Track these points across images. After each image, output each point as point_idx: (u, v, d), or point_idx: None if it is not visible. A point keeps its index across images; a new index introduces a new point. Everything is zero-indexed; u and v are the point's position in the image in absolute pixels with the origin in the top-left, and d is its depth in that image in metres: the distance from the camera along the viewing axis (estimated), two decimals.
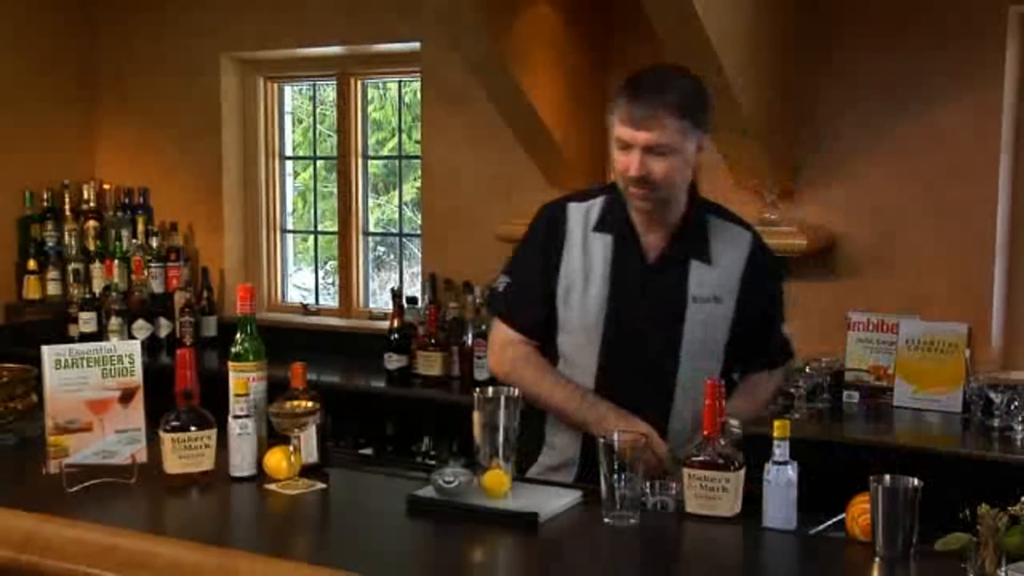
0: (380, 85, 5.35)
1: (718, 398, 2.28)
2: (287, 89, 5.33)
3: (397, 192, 5.20)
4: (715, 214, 2.60)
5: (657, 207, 2.49)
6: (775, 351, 2.69)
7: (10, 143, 5.11)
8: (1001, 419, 3.45)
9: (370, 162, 5.16)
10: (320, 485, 2.48)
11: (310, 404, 2.49)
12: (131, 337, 4.77)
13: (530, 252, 2.62)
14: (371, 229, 5.16)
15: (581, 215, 2.58)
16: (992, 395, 3.48)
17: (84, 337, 4.74)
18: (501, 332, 2.66)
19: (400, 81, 5.05)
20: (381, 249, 5.47)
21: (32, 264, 5.13)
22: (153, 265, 5.03)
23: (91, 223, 5.22)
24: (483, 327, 4.10)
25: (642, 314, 2.52)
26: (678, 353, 2.51)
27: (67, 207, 5.25)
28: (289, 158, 5.36)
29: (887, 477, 2.04)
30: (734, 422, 2.38)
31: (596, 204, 2.59)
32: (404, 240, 5.15)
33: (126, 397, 2.59)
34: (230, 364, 2.60)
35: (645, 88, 2.42)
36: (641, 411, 2.47)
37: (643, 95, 2.41)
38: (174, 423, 2.47)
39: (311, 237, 5.35)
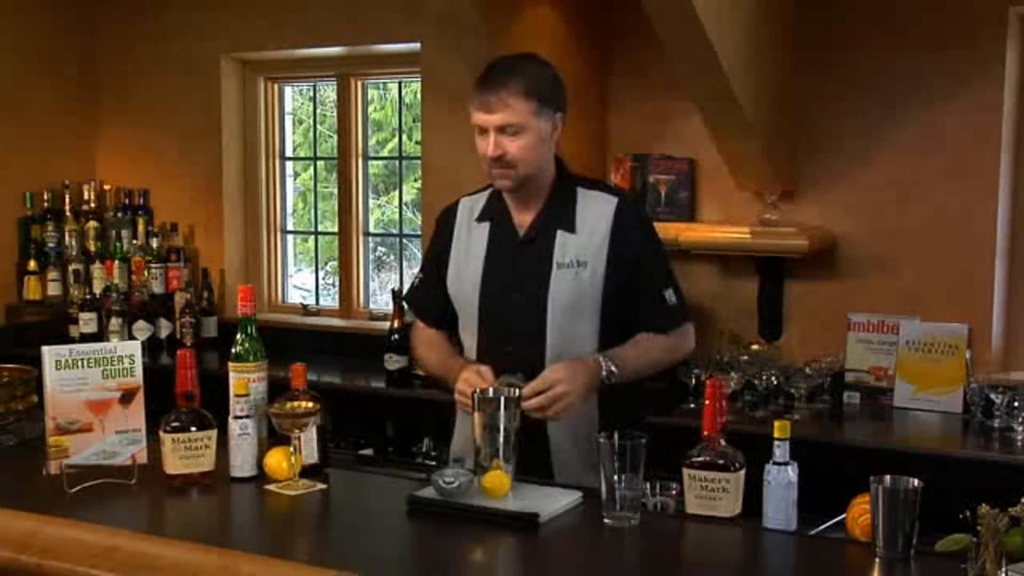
0: (380, 86, 5.35)
1: (718, 399, 2.28)
2: (287, 90, 5.33)
3: (397, 193, 5.20)
4: (583, 186, 2.74)
5: (521, 185, 2.65)
6: (660, 315, 2.69)
7: (11, 144, 5.11)
8: (1001, 420, 3.45)
9: (370, 163, 5.16)
10: (320, 486, 2.49)
11: (310, 405, 2.50)
12: (131, 338, 4.77)
13: (429, 248, 2.95)
14: (371, 230, 5.15)
15: (467, 208, 2.81)
16: (992, 396, 3.48)
17: (84, 338, 4.74)
18: (416, 324, 2.97)
19: (400, 82, 5.05)
20: (381, 250, 5.47)
21: (32, 265, 5.13)
22: (153, 266, 5.03)
23: (91, 224, 5.22)
24: None
25: (511, 284, 2.68)
26: (544, 317, 2.63)
27: (67, 208, 5.25)
28: (289, 159, 5.36)
29: (887, 478, 2.04)
30: (610, 363, 2.53)
31: (482, 197, 2.81)
32: (404, 241, 5.15)
33: (126, 398, 2.59)
34: (230, 365, 2.60)
35: (493, 75, 2.62)
36: (516, 373, 2.56)
37: (491, 81, 2.61)
38: (174, 424, 2.47)
39: (311, 238, 5.35)
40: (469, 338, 2.76)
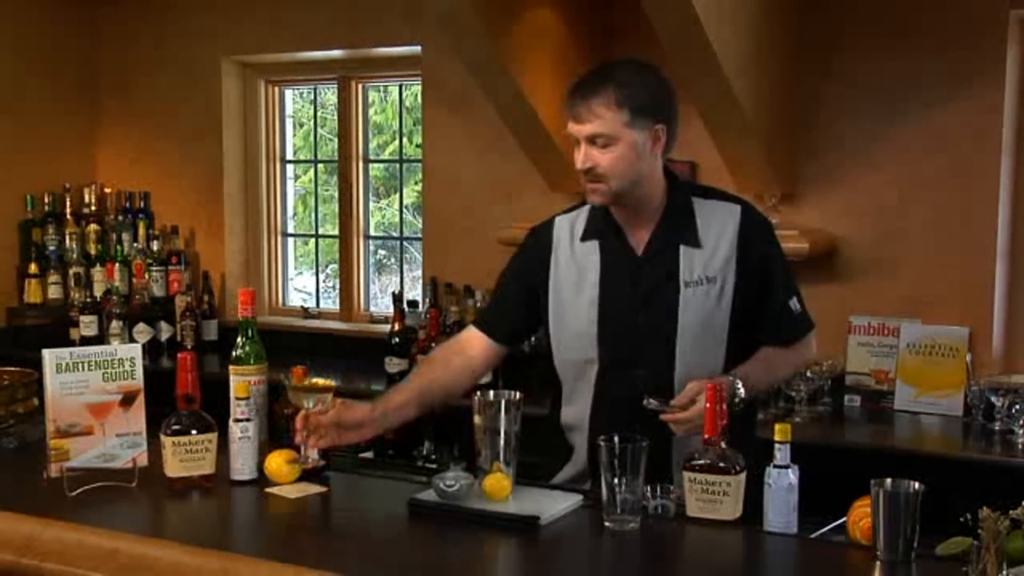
0: (381, 88, 5.35)
1: (718, 402, 2.28)
2: (288, 92, 5.34)
3: (398, 195, 5.20)
4: (700, 195, 2.58)
5: (618, 200, 2.49)
6: (784, 326, 2.58)
7: (11, 147, 5.12)
8: (1002, 422, 3.45)
9: (371, 165, 5.16)
10: (321, 489, 2.49)
11: (328, 382, 2.53)
12: (132, 341, 4.77)
13: (515, 268, 2.72)
14: (372, 233, 5.16)
15: (567, 227, 2.62)
16: (993, 398, 3.48)
17: (85, 341, 4.74)
18: (463, 334, 2.76)
19: (401, 84, 5.06)
20: (382, 253, 5.47)
21: (33, 268, 5.14)
22: (154, 269, 5.03)
23: (92, 227, 5.22)
24: None
25: (635, 307, 2.51)
26: (674, 338, 2.48)
27: (68, 211, 5.26)
28: (290, 162, 5.36)
29: (888, 481, 2.03)
30: (739, 384, 2.41)
31: (582, 214, 2.62)
32: (405, 244, 5.15)
33: (127, 401, 2.59)
34: (231, 367, 2.60)
35: (584, 84, 2.47)
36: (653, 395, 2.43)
37: (582, 89, 2.46)
38: (175, 427, 2.47)
39: (312, 240, 5.35)
40: (581, 367, 2.56)
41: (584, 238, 2.58)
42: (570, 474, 2.63)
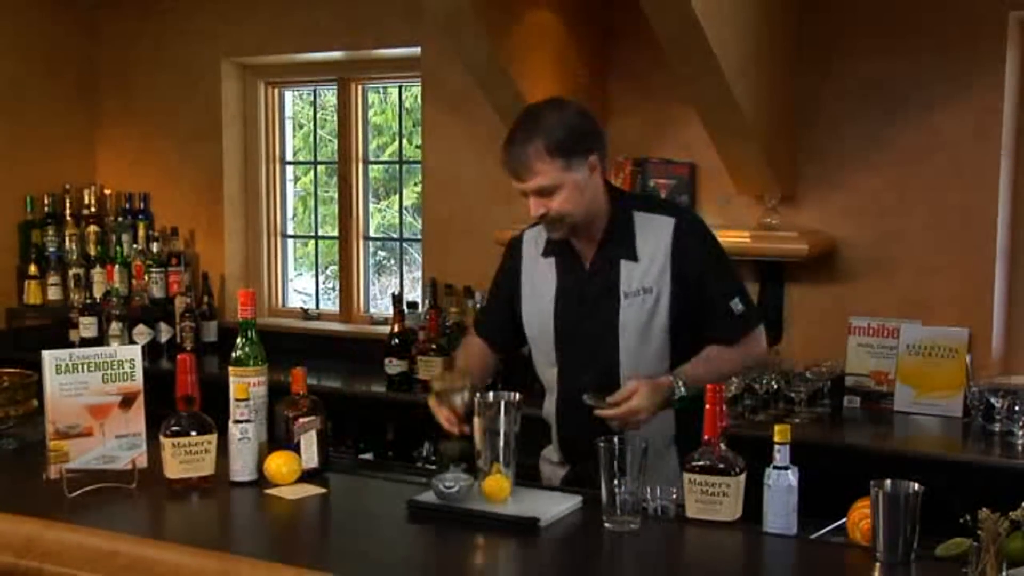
0: (381, 90, 5.35)
1: (718, 403, 2.28)
2: (288, 94, 5.34)
3: (398, 197, 5.20)
4: (641, 208, 2.74)
5: (576, 231, 2.67)
6: (727, 326, 2.69)
7: (11, 148, 5.12)
8: (1002, 424, 3.45)
9: (371, 167, 5.16)
10: (320, 490, 2.49)
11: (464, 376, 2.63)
12: (132, 342, 4.77)
13: (498, 275, 2.96)
14: (372, 234, 5.16)
15: (532, 242, 2.84)
16: (993, 400, 3.48)
17: (85, 342, 4.74)
18: (471, 336, 3.04)
19: (401, 86, 5.06)
20: (382, 254, 5.47)
21: (33, 269, 5.13)
22: (154, 270, 5.03)
23: (92, 228, 5.22)
24: None
25: (584, 315, 2.71)
26: (617, 344, 2.67)
27: (68, 212, 5.26)
28: (290, 163, 5.36)
29: (888, 482, 2.04)
30: (679, 383, 2.55)
31: (544, 230, 2.76)
32: (405, 245, 5.15)
33: (127, 402, 2.59)
34: (231, 369, 2.60)
35: (514, 142, 2.61)
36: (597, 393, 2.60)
37: (513, 149, 2.61)
38: (175, 428, 2.47)
39: (312, 242, 5.35)
40: (547, 368, 2.80)
41: (544, 254, 2.79)
42: (549, 453, 2.87)
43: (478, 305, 4.34)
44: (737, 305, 2.69)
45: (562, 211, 2.59)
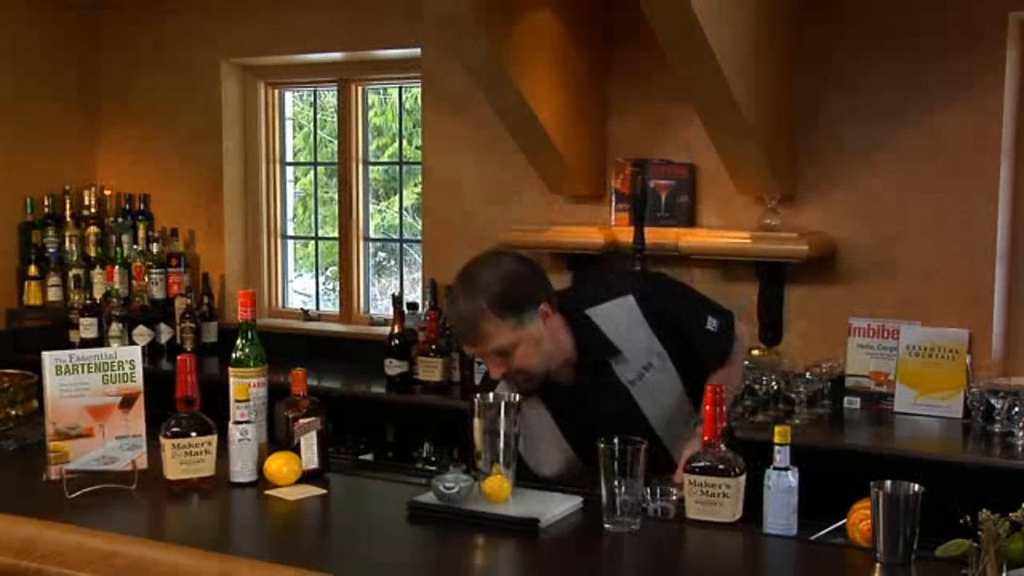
0: (381, 91, 5.35)
1: (718, 404, 2.28)
2: (288, 95, 5.34)
3: (398, 198, 5.20)
4: (591, 304, 2.63)
5: (545, 378, 2.57)
6: (713, 344, 2.70)
7: (11, 149, 5.12)
8: (1002, 425, 3.45)
9: (371, 168, 5.16)
10: (321, 491, 2.49)
11: None
12: (132, 343, 4.77)
13: None
14: (372, 235, 5.16)
15: (506, 395, 2.59)
16: (993, 401, 3.48)
17: (85, 343, 4.74)
18: None
19: (401, 87, 5.06)
20: (382, 255, 5.47)
21: (33, 270, 5.14)
22: (154, 271, 5.03)
23: (92, 229, 5.22)
24: None
25: (603, 427, 2.37)
26: (650, 429, 2.58)
27: (68, 213, 5.26)
28: (290, 164, 5.36)
29: (888, 483, 2.03)
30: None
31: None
32: (405, 246, 5.15)
33: (127, 403, 2.59)
34: (231, 370, 2.60)
35: (461, 314, 2.51)
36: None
37: (460, 314, 2.51)
38: (175, 429, 2.47)
39: (312, 243, 5.35)
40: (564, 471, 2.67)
41: (529, 404, 2.60)
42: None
43: None
44: (712, 323, 2.69)
45: (522, 366, 2.51)
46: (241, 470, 2.50)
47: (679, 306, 2.73)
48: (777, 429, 2.22)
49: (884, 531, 2.01)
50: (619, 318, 2.62)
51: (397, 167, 5.19)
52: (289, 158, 5.35)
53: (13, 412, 2.86)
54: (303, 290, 5.44)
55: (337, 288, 5.21)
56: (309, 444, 2.56)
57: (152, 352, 4.82)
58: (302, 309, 5.23)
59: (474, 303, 2.47)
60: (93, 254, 5.16)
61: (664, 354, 2.63)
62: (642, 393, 2.62)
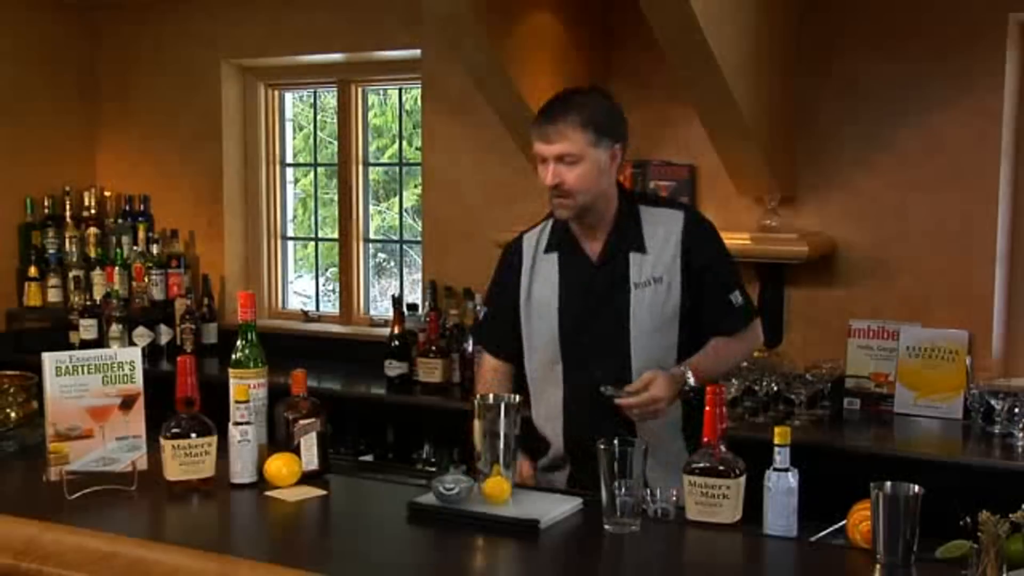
0: (381, 92, 5.35)
1: (718, 404, 2.28)
2: (288, 96, 5.34)
3: (398, 199, 5.21)
4: (647, 203, 2.83)
5: (582, 213, 2.72)
6: (729, 318, 2.78)
7: (11, 150, 5.12)
8: (1002, 426, 3.45)
9: (371, 169, 5.16)
10: (321, 492, 2.49)
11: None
12: (132, 344, 4.77)
13: (494, 283, 2.98)
14: (372, 236, 5.16)
15: (532, 242, 2.87)
16: (993, 402, 3.48)
17: (85, 344, 4.74)
18: (484, 358, 3.01)
19: (400, 88, 5.06)
20: (382, 256, 5.47)
21: (33, 271, 5.13)
22: (154, 272, 5.03)
23: (92, 230, 5.22)
24: None
25: (591, 309, 2.74)
26: (627, 336, 2.70)
27: (68, 214, 5.26)
28: (290, 165, 5.36)
29: (888, 484, 2.04)
30: (689, 373, 2.61)
31: (544, 228, 2.87)
32: (405, 247, 5.15)
33: (127, 404, 2.59)
34: (231, 371, 2.60)
35: (552, 106, 2.70)
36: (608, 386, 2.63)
37: (550, 112, 2.68)
38: (175, 430, 2.47)
39: (312, 244, 5.35)
40: (549, 368, 2.79)
41: (546, 250, 2.83)
42: (550, 458, 2.84)
43: (478, 307, 4.34)
44: (737, 299, 2.78)
45: (576, 187, 2.65)
46: (241, 471, 2.50)
47: (717, 258, 2.80)
48: (777, 430, 2.22)
49: (884, 532, 2.01)
50: (661, 224, 2.74)
51: (397, 168, 5.19)
52: (289, 159, 5.35)
53: (13, 413, 2.86)
54: (303, 291, 5.44)
55: (337, 289, 5.21)
56: (309, 445, 2.56)
57: (152, 353, 4.82)
58: (302, 310, 5.23)
59: (567, 109, 2.65)
60: (93, 255, 5.16)
61: (678, 280, 2.71)
62: (640, 299, 2.70)
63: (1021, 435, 3.37)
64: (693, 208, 2.90)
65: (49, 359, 2.54)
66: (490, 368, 2.95)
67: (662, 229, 2.74)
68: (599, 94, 2.81)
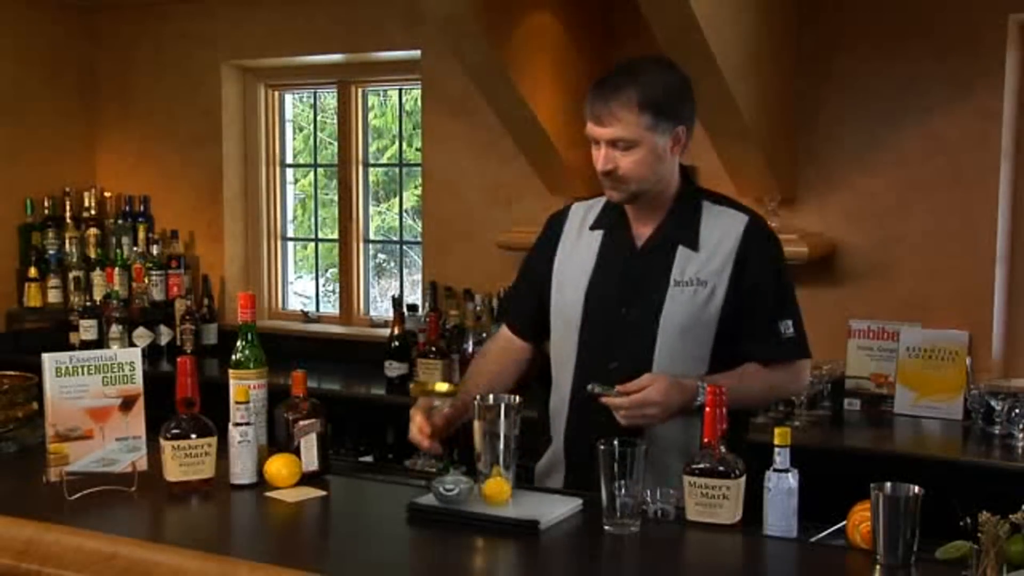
0: (381, 93, 5.35)
1: (718, 405, 2.27)
2: (288, 97, 5.34)
3: (398, 200, 5.21)
4: (710, 200, 2.56)
5: (636, 198, 2.49)
6: (768, 346, 2.51)
7: (12, 151, 5.12)
8: (1002, 426, 3.45)
9: (371, 169, 5.16)
10: (320, 493, 2.48)
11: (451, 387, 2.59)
12: (132, 345, 4.77)
13: (531, 253, 2.74)
14: (372, 237, 5.16)
15: (581, 214, 2.64)
16: (993, 402, 3.48)
17: (85, 345, 4.74)
18: (499, 332, 2.81)
19: (400, 89, 5.06)
20: (382, 257, 5.47)
21: (33, 272, 5.13)
22: (154, 273, 5.03)
23: (92, 231, 5.22)
24: (483, 335, 4.10)
25: (621, 298, 2.50)
26: (655, 336, 2.46)
27: (68, 215, 5.26)
28: (290, 166, 5.36)
29: (888, 485, 2.03)
30: (703, 388, 2.34)
31: (597, 203, 2.63)
32: (405, 248, 5.15)
33: (127, 405, 2.59)
34: (231, 372, 2.60)
35: (606, 85, 2.44)
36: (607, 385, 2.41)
37: (603, 92, 2.43)
38: (175, 431, 2.47)
39: (311, 245, 5.35)
40: (565, 351, 2.57)
41: (593, 227, 2.60)
42: (548, 460, 2.67)
43: (478, 308, 4.34)
44: (787, 328, 2.51)
45: (630, 173, 2.42)
46: (241, 472, 2.50)
47: (773, 278, 2.53)
48: (777, 431, 2.22)
49: (884, 533, 2.01)
50: (722, 224, 2.50)
51: (397, 169, 5.19)
52: (289, 160, 5.35)
53: (13, 414, 2.86)
54: (303, 292, 5.44)
55: (337, 290, 5.21)
56: (309, 446, 2.56)
57: (152, 354, 4.82)
58: (302, 311, 5.23)
59: (623, 86, 2.39)
60: (93, 256, 5.16)
61: (723, 289, 2.45)
62: (676, 298, 2.45)
63: (1021, 435, 3.37)
64: (759, 215, 2.57)
65: (49, 360, 2.54)
66: (498, 347, 2.75)
67: (720, 230, 2.48)
68: (662, 67, 2.49)
